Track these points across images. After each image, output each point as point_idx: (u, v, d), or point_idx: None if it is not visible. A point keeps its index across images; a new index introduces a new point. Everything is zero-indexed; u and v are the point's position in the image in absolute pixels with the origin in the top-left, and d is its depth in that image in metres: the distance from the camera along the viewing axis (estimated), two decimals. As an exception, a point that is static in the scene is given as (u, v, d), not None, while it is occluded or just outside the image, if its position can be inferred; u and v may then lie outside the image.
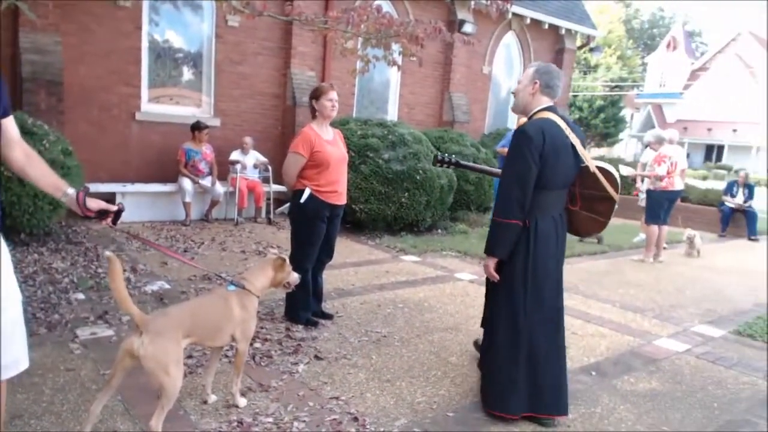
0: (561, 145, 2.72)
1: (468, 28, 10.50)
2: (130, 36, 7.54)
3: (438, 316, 4.33)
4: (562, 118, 2.79)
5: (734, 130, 37.00)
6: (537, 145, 2.64)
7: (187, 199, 7.34)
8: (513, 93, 2.99)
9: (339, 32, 5.49)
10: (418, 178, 7.26)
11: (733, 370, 3.69)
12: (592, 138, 32.79)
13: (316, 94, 3.80)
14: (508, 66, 12.78)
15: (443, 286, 5.25)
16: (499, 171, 3.19)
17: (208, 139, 7.74)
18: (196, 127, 7.51)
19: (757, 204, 10.62)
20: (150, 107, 7.91)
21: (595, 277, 6.14)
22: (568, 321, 4.42)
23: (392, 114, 10.73)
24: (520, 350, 2.75)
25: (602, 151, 35.72)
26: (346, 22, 5.14)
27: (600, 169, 2.85)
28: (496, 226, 2.75)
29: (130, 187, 7.34)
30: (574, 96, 32.07)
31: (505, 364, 2.77)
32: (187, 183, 7.34)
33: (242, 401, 2.71)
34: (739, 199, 10.27)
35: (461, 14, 10.73)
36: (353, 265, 5.76)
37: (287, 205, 4.02)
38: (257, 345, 3.45)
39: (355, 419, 2.66)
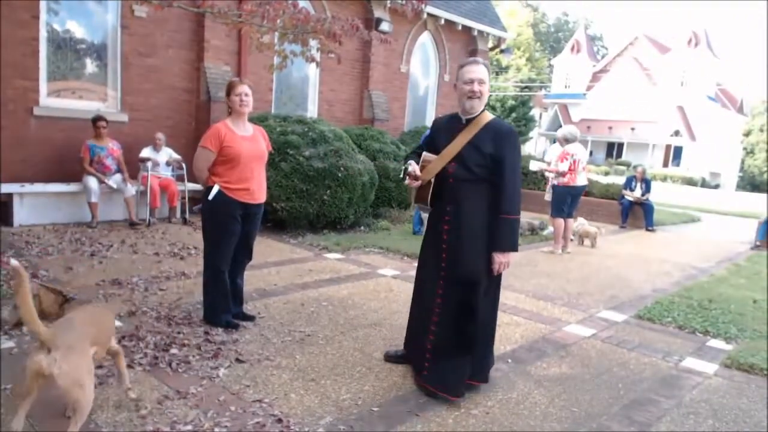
0: None
1: (385, 26, 10.61)
2: (27, 26, 6.95)
3: (362, 313, 4.35)
4: None
5: (632, 129, 39.91)
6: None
7: (93, 200, 6.89)
8: (475, 93, 2.94)
9: (254, 26, 5.36)
10: (340, 175, 7.25)
11: (635, 352, 3.99)
12: (506, 136, 34.12)
13: (227, 90, 3.72)
14: (424, 65, 13.04)
15: (367, 282, 5.28)
16: None
17: (116, 135, 7.31)
18: (96, 120, 7.06)
19: (654, 197, 11.53)
20: (50, 102, 7.34)
21: (509, 268, 6.39)
22: (486, 312, 4.60)
23: (312, 111, 10.64)
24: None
25: (515, 148, 37.26)
26: (262, 17, 5.03)
27: None
28: (517, 223, 3.00)
29: (29, 188, 6.78)
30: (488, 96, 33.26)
31: (491, 340, 3.22)
32: (92, 182, 6.88)
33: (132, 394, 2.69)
34: (638, 192, 11.10)
35: (378, 12, 10.82)
36: (275, 264, 5.67)
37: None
38: (174, 351, 3.30)
39: (279, 421, 2.62)
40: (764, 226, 9.72)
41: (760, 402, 3.26)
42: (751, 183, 48.00)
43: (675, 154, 39.32)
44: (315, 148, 7.38)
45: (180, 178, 7.76)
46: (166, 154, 7.71)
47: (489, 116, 2.99)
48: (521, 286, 5.64)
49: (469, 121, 3.00)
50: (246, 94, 3.70)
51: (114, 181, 7.06)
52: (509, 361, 3.63)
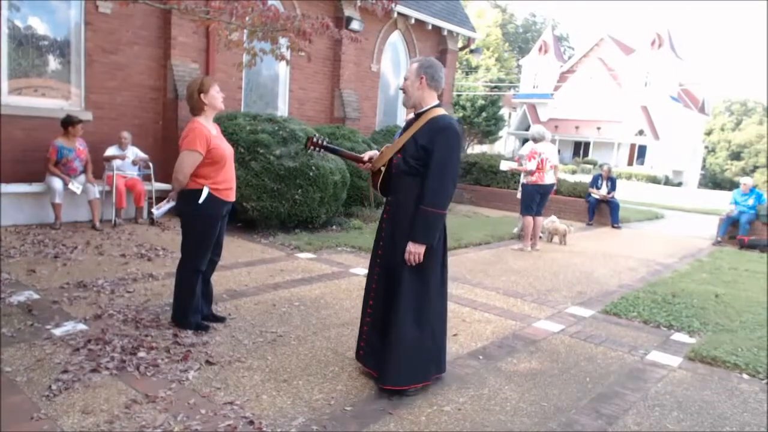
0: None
1: (355, 25, 10.59)
2: (-15, 21, 6.71)
3: (334, 312, 4.34)
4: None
5: (598, 128, 40.76)
6: (460, 141, 2.99)
7: (57, 200, 6.69)
8: (402, 89, 3.12)
9: (222, 24, 5.30)
10: (311, 174, 7.21)
11: (602, 346, 4.08)
12: (475, 135, 34.51)
13: (203, 88, 3.61)
14: (395, 64, 13.07)
15: (339, 282, 5.27)
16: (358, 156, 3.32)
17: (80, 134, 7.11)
18: (69, 122, 6.81)
19: (619, 195, 11.80)
20: (11, 100, 7.09)
21: (480, 266, 6.48)
22: (458, 309, 4.66)
23: (282, 110, 10.55)
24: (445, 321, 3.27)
25: (484, 147, 37.76)
26: (230, 14, 4.97)
27: None
28: (436, 217, 2.94)
29: (-13, 188, 6.55)
30: (458, 95, 33.54)
31: (444, 332, 3.26)
32: (56, 182, 6.68)
33: None
34: (604, 191, 11.35)
35: (348, 11, 10.79)
36: (246, 264, 5.60)
37: (168, 206, 3.77)
38: (142, 354, 3.24)
39: (251, 423, 2.60)
40: (725, 222, 10.06)
41: (723, 393, 3.37)
42: (712, 180, 49.61)
43: (639, 153, 40.32)
44: (286, 146, 7.33)
45: (147, 178, 7.60)
46: (132, 153, 7.54)
47: (438, 112, 3.02)
48: (492, 283, 5.70)
49: (418, 115, 3.08)
50: (219, 91, 3.67)
51: (78, 182, 6.85)
52: (480, 357, 3.67)
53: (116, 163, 7.25)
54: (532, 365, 3.61)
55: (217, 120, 3.88)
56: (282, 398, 2.88)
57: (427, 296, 3.04)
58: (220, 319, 3.91)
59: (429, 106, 3.04)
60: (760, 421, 3.03)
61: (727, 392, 3.39)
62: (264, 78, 10.30)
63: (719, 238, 10.00)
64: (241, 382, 3.03)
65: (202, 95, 3.59)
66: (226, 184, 3.63)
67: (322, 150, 3.33)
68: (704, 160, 53.43)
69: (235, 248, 6.17)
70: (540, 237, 8.02)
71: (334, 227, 7.95)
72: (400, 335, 2.98)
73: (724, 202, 11.59)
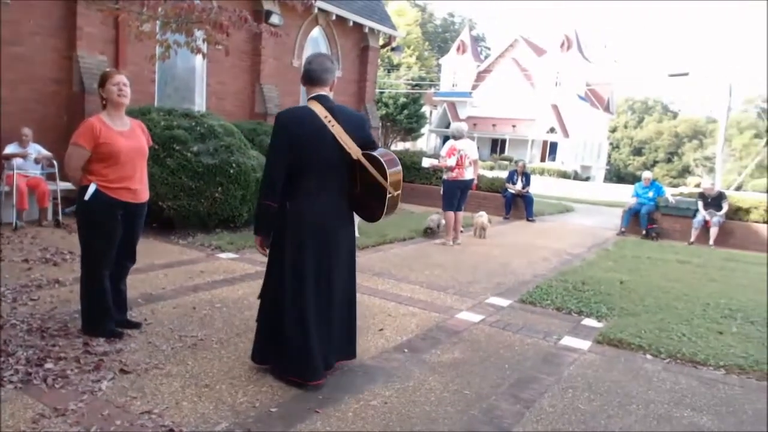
0: (315, 132, 2.94)
1: (275, 19, 10.41)
2: None
3: (257, 313, 4.24)
4: (330, 108, 2.99)
5: (514, 126, 42.50)
6: (287, 131, 2.93)
7: (-55, 203, 6.10)
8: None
9: (133, 14, 5.03)
10: (231, 171, 7.01)
11: (520, 334, 4.27)
12: (398, 132, 34.94)
13: (101, 80, 3.45)
14: (317, 60, 12.96)
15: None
16: None
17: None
18: None
19: (533, 190, 12.38)
20: None
21: (405, 261, 6.59)
22: (384, 304, 4.71)
23: (200, 104, 10.18)
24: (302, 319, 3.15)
25: (407, 144, 38.31)
26: (141, 4, 4.74)
27: (368, 156, 3.02)
28: (258, 207, 3.05)
29: None
30: (381, 93, 33.80)
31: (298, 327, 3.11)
32: (-56, 183, 6.09)
33: None
34: (519, 186, 11.86)
35: (267, 5, 10.59)
36: (163, 267, 5.37)
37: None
38: (49, 365, 3.02)
39: (171, 431, 2.50)
40: (628, 214, 10.82)
41: (629, 374, 3.63)
42: (617, 175, 53.12)
43: (551, 150, 42.45)
44: (204, 143, 7.08)
45: (51, 177, 7.09)
46: (34, 150, 7.00)
47: (308, 104, 3.07)
48: (416, 277, 5.81)
49: None
50: (124, 84, 3.46)
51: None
52: (406, 350, 3.74)
53: (17, 161, 6.72)
54: (454, 355, 3.72)
55: (129, 115, 3.66)
56: (204, 404, 2.79)
57: (268, 287, 3.12)
58: (135, 325, 3.72)
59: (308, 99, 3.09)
60: (663, 398, 3.28)
61: (633, 372, 3.65)
62: (180, 71, 9.89)
63: (623, 229, 10.75)
64: (159, 389, 2.90)
65: (100, 89, 3.46)
66: (120, 182, 3.42)
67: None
68: (609, 156, 57.09)
69: (150, 250, 5.88)
70: (461, 231, 8.26)
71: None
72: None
73: (627, 194, 12.45)
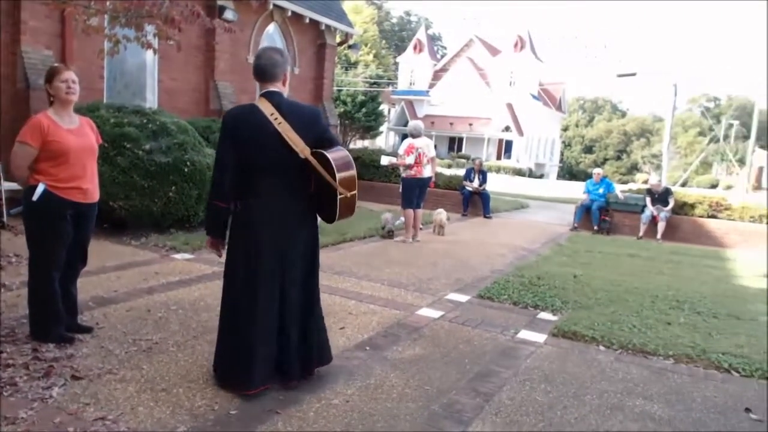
0: (259, 131, 2.84)
1: (229, 14, 10.21)
2: None
3: (216, 314, 4.09)
4: (278, 104, 2.87)
5: (470, 125, 43.13)
6: (231, 130, 2.87)
7: None
8: None
9: (80, 7, 4.84)
10: (186, 170, 6.84)
11: (478, 328, 4.34)
12: (357, 131, 34.91)
13: (49, 76, 3.32)
14: (273, 57, 12.80)
15: (220, 282, 5.03)
16: None
17: None
18: None
19: (490, 187, 12.59)
20: None
21: (365, 259, 6.59)
22: (345, 302, 4.70)
23: (151, 101, 9.89)
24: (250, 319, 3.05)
25: (366, 142, 38.32)
26: (89, -3, 4.56)
27: (318, 156, 2.89)
28: (208, 208, 3.03)
29: None
30: (339, 90, 33.66)
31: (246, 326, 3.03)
32: None
33: None
34: (476, 183, 12.06)
35: (221, 0, 10.38)
36: (115, 269, 5.19)
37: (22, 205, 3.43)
38: (-7, 374, 2.88)
39: (127, 437, 2.43)
40: (580, 210, 11.14)
41: (583, 365, 3.74)
42: (569, 172, 54.66)
43: (506, 148, 43.32)
44: (156, 141, 6.88)
45: (-8, 177, 6.74)
46: (-28, 148, 6.65)
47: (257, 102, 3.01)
48: (377, 275, 5.82)
49: None
50: (73, 81, 3.33)
51: None
52: (367, 348, 3.74)
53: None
54: (415, 352, 3.75)
55: (76, 112, 3.53)
56: (160, 409, 2.72)
57: (225, 287, 3.07)
58: (87, 330, 3.59)
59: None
60: (616, 388, 3.40)
61: (587, 363, 3.77)
62: (130, 67, 9.59)
63: (575, 224, 11.07)
64: (113, 395, 2.81)
65: (48, 85, 3.33)
66: (70, 182, 3.30)
67: None
68: (562, 154, 58.71)
69: (102, 251, 5.68)
70: (420, 228, 8.32)
71: (212, 225, 7.60)
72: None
73: (579, 191, 12.84)
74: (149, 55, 9.37)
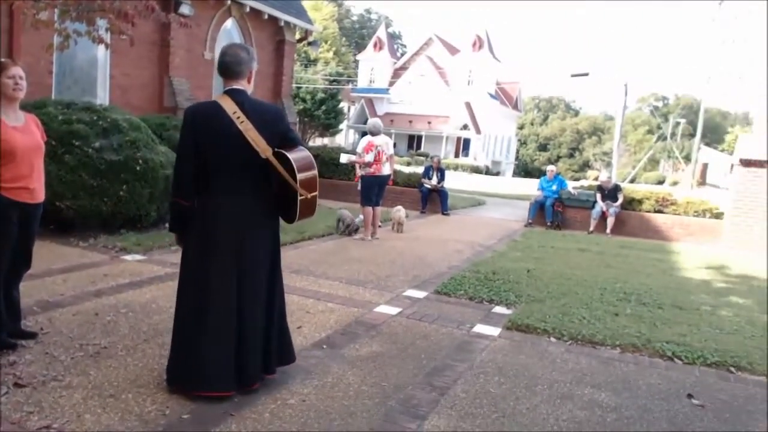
0: (220, 129, 2.80)
1: (185, 9, 9.99)
2: None
3: (168, 317, 4.04)
4: (240, 102, 2.83)
5: (429, 123, 43.52)
6: (191, 128, 2.84)
7: None
8: None
9: (29, 1, 4.66)
10: (138, 168, 6.65)
11: (435, 324, 4.40)
12: (316, 128, 34.71)
13: None
14: (230, 53, 12.59)
15: (173, 283, 4.88)
16: None
17: None
18: None
19: (448, 184, 12.75)
20: None
21: (323, 257, 6.57)
22: (302, 301, 4.68)
23: (102, 97, 9.58)
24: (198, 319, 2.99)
25: (326, 140, 38.15)
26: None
27: (279, 156, 2.85)
28: (170, 206, 3.02)
29: None
30: (298, 88, 33.38)
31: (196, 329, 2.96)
32: None
33: None
34: (434, 180, 12.18)
35: (177, -5, 10.13)
36: (61, 271, 5.01)
37: None
38: (-73, 384, 2.74)
39: (73, 445, 2.35)
40: (534, 206, 11.41)
41: (535, 356, 3.84)
42: (524, 170, 55.83)
43: (464, 146, 43.92)
44: (107, 138, 6.66)
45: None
46: None
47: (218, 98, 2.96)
48: (335, 273, 5.81)
49: None
50: (20, 77, 3.20)
51: None
52: (324, 346, 3.74)
53: None
54: (373, 349, 3.77)
55: (21, 108, 3.39)
56: (109, 415, 2.64)
57: (180, 288, 2.98)
58: (30, 335, 3.45)
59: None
60: (566, 378, 3.51)
61: (539, 355, 3.87)
62: (80, 62, 9.26)
63: (530, 220, 11.33)
64: (58, 402, 2.71)
65: None
66: (17, 182, 3.16)
67: None
68: (518, 152, 59.92)
69: (46, 253, 5.47)
70: (379, 226, 8.34)
71: (166, 225, 7.41)
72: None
73: (533, 188, 13.13)
74: (101, 50, 9.07)
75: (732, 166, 11.25)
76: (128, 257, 5.76)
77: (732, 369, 3.81)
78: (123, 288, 4.68)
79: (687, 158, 40.58)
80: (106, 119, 6.86)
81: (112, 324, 3.83)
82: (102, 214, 6.50)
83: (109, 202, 6.47)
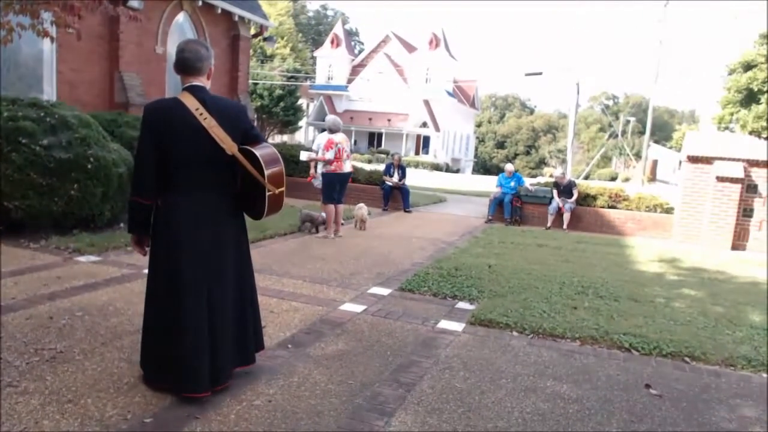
0: (183, 126, 2.75)
1: (134, 2, 9.69)
2: None
3: (127, 319, 3.95)
4: (203, 99, 2.79)
5: (389, 120, 43.61)
6: (152, 125, 2.77)
7: None
8: None
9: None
10: (89, 166, 6.42)
11: (400, 321, 4.42)
12: (275, 125, 34.27)
13: None
14: (185, 48, 12.29)
15: (131, 285, 4.81)
16: None
17: None
18: None
19: (409, 182, 12.82)
20: None
21: (286, 256, 6.50)
22: (266, 300, 4.62)
23: (50, 93, 9.20)
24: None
25: (285, 137, 37.74)
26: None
27: (245, 152, 2.83)
28: (129, 204, 2.91)
29: None
30: (255, 84, 32.87)
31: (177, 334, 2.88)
32: None
33: None
34: (396, 178, 12.23)
35: (127, -13, 9.81)
36: (12, 274, 4.79)
37: None
38: None
39: (30, 455, 2.26)
40: (494, 202, 11.61)
41: (498, 350, 3.91)
42: (483, 167, 56.79)
43: (424, 143, 44.24)
44: (56, 136, 6.40)
45: None
46: None
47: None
48: (298, 272, 5.76)
49: None
50: None
51: None
52: (290, 346, 3.70)
53: None
54: (338, 347, 3.76)
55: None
56: (68, 421, 2.55)
57: (148, 289, 2.94)
58: (-20, 341, 3.29)
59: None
60: (529, 371, 3.58)
61: (502, 349, 3.95)
62: (25, 56, 8.87)
63: (489, 217, 11.52)
64: (14, 409, 2.60)
65: None
66: None
67: None
68: (476, 149, 60.82)
69: (-6, 256, 5.23)
70: (342, 223, 8.32)
71: (121, 225, 7.20)
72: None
73: (492, 185, 13.35)
74: (47, 45, 8.71)
75: (680, 162, 11.73)
76: (82, 258, 5.56)
77: (687, 359, 3.98)
78: (78, 290, 4.51)
79: (638, 155, 42.10)
80: (54, 116, 6.59)
81: (67, 328, 3.69)
82: (53, 215, 6.25)
83: (60, 202, 6.22)
